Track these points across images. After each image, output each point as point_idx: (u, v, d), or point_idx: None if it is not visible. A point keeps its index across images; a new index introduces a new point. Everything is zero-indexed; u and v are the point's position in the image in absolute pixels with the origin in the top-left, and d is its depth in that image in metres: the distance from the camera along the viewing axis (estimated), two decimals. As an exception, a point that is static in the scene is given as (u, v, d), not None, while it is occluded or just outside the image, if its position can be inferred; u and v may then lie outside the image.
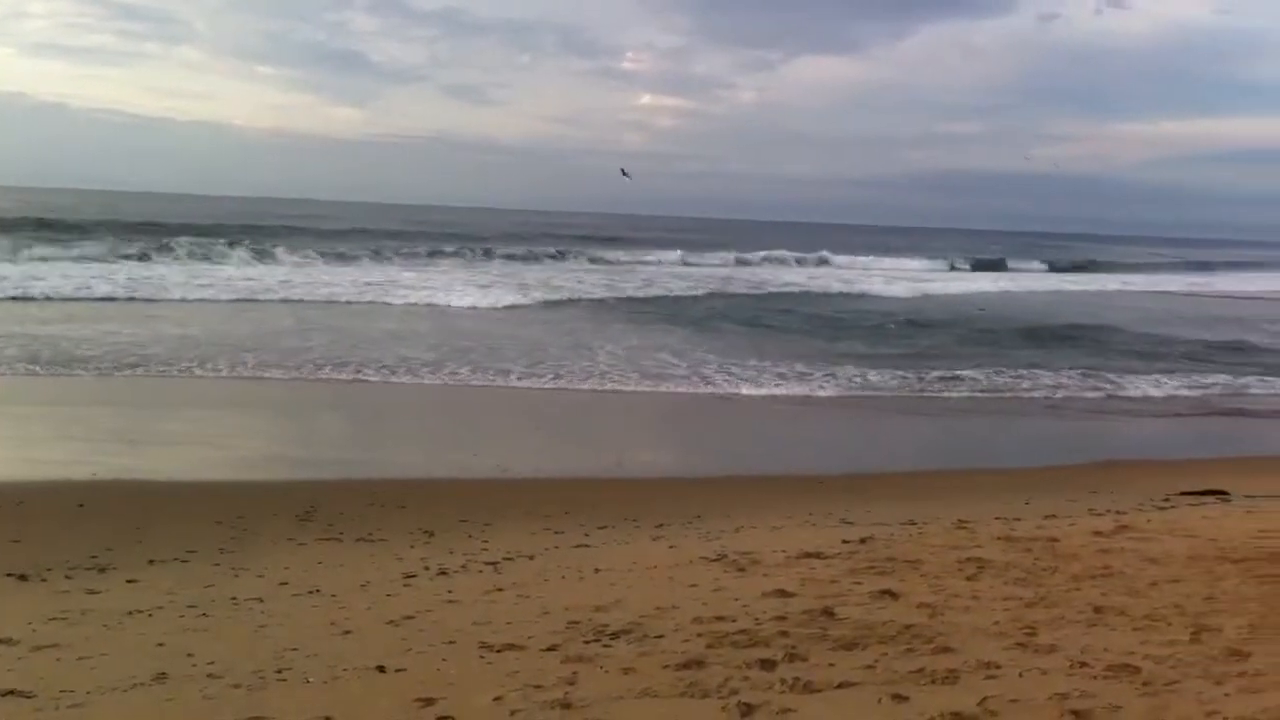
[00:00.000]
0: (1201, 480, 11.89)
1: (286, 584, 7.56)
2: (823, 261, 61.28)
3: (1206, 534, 8.76)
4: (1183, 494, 11.13)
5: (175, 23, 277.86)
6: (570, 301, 33.11)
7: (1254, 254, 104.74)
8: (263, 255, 41.27)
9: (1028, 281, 57.48)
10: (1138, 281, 62.19)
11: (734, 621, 6.28)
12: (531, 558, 8.26)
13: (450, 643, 5.95)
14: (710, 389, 18.30)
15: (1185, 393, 20.32)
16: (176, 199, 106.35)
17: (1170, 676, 5.41)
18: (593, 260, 51.90)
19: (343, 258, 43.28)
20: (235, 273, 35.64)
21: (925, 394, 19.14)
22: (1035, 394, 19.71)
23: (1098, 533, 8.82)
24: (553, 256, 51.79)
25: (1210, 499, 10.86)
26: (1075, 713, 4.90)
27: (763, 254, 61.07)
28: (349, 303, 30.10)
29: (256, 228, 52.60)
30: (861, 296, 41.25)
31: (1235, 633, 6.19)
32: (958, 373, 21.07)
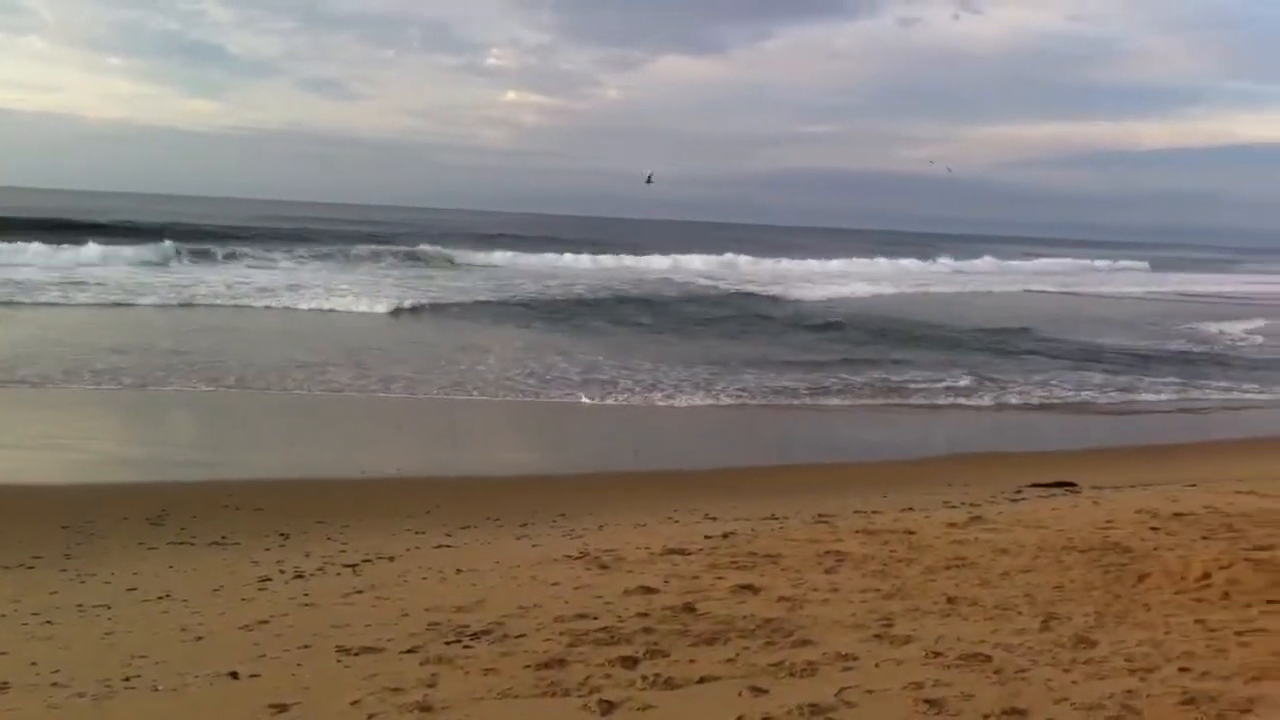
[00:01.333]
0: (1052, 472, 12.22)
1: (135, 590, 7.32)
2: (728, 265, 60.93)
3: (1056, 525, 9.01)
4: (1033, 486, 11.42)
5: (21, 11, 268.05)
6: (436, 306, 32.08)
7: (1114, 254, 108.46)
8: (108, 257, 38.44)
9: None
10: (1002, 279, 63.78)
11: (596, 619, 6.28)
12: (392, 559, 8.13)
13: (306, 647, 5.82)
14: (576, 395, 18.20)
15: (1040, 389, 20.90)
16: (20, 192, 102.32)
17: (1020, 664, 5.56)
18: (454, 262, 50.24)
19: (200, 256, 41.60)
20: (83, 272, 33.85)
21: (800, 390, 19.39)
22: (901, 389, 20.16)
23: (952, 525, 9.02)
24: (417, 258, 50.44)
25: (1059, 490, 11.16)
26: (929, 702, 5.00)
27: (674, 256, 60.21)
28: (208, 306, 28.83)
29: (104, 226, 50.19)
30: (776, 301, 40.76)
31: (1082, 620, 6.38)
32: (840, 374, 21.45)
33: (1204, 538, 8.42)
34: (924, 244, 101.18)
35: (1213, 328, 35.26)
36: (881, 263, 68.08)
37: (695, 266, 55.76)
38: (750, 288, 44.19)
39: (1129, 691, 5.15)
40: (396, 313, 29.66)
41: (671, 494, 11.00)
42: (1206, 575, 7.31)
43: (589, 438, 15.23)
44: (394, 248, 51.22)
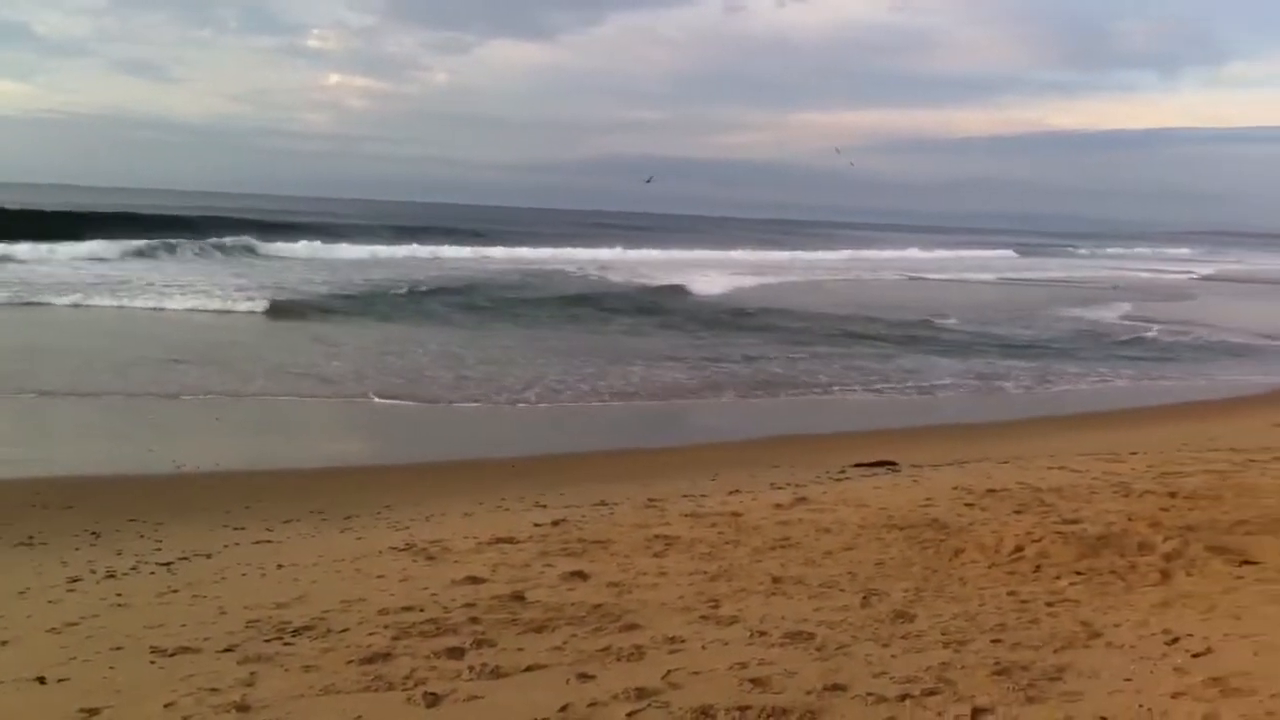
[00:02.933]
0: (874, 452, 12.51)
1: (-66, 596, 6.94)
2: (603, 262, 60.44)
3: (877, 503, 9.24)
4: (856, 465, 11.68)
5: None
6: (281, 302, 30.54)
7: (935, 238, 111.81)
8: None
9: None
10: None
11: (422, 611, 6.21)
12: (209, 556, 7.87)
13: (118, 649, 5.60)
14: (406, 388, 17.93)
15: (863, 367, 21.40)
16: None
17: (842, 640, 5.69)
18: (257, 253, 47.59)
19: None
20: None
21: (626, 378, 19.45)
22: (730, 372, 20.40)
23: (778, 505, 9.17)
24: (246, 248, 48.18)
25: (881, 469, 11.44)
26: (753, 680, 5.08)
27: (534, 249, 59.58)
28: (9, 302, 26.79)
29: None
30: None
31: (901, 596, 6.56)
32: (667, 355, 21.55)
33: (1016, 512, 8.73)
34: (770, 232, 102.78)
35: (1095, 313, 36.43)
36: (744, 254, 68.68)
37: (536, 256, 55.76)
38: (614, 277, 44.20)
39: (944, 664, 5.31)
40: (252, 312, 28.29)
41: (501, 483, 10.92)
42: (1019, 548, 7.58)
43: (421, 430, 14.98)
44: (207, 240, 48.67)
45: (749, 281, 44.06)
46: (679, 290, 38.13)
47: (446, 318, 28.10)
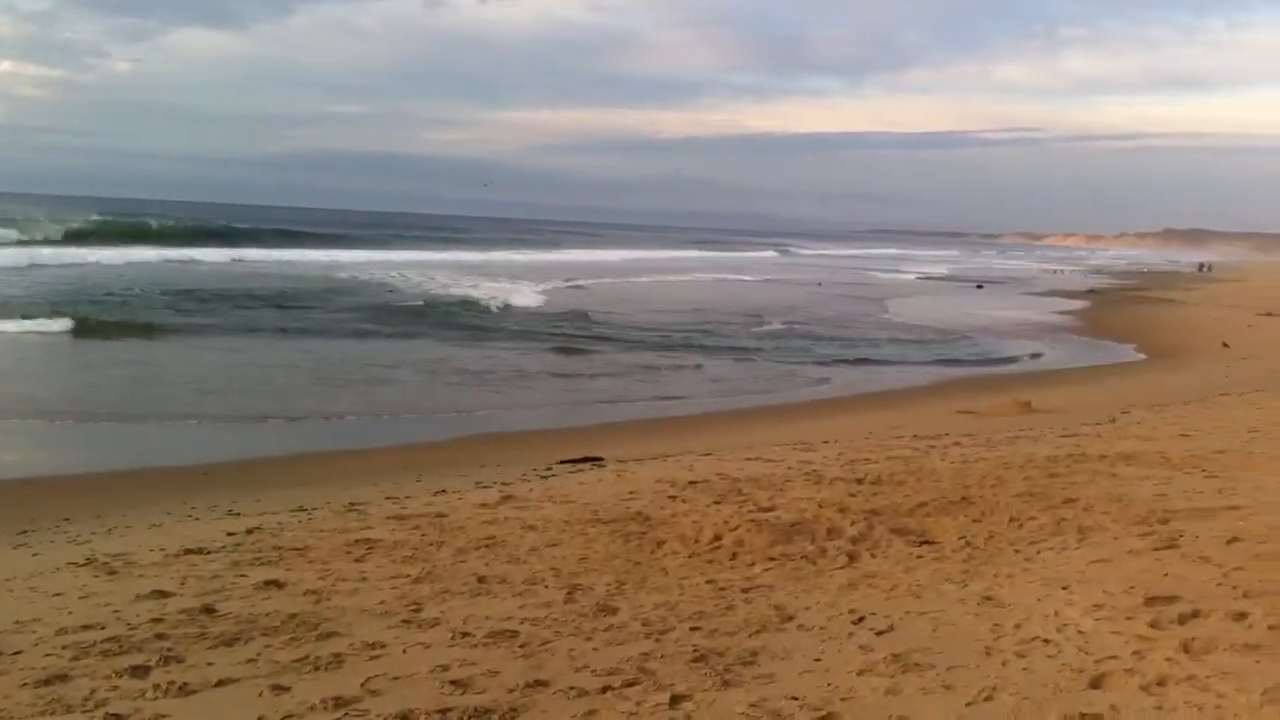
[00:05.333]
0: (581, 448, 12.61)
1: None
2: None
3: (582, 499, 9.31)
4: (563, 462, 11.74)
5: None
6: None
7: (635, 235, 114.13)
8: None
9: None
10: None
11: (104, 629, 5.88)
12: None
13: None
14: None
15: (559, 363, 21.58)
16: None
17: (545, 637, 5.70)
18: None
19: None
20: None
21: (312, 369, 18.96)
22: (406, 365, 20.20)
23: (484, 505, 9.11)
24: None
25: (587, 465, 11.54)
26: (455, 682, 5.03)
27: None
28: None
29: None
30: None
31: (605, 590, 6.63)
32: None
33: (716, 503, 8.96)
34: (490, 232, 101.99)
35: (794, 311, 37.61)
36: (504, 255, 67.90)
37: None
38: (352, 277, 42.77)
39: (645, 654, 5.39)
40: None
41: (192, 491, 10.40)
42: (717, 538, 7.79)
43: (102, 439, 14.07)
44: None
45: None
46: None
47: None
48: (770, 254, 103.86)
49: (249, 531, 8.22)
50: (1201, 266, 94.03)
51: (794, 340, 28.07)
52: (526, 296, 36.78)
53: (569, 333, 27.34)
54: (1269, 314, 36.88)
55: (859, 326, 32.73)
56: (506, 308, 33.11)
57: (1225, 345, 27.12)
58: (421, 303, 33.32)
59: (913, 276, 69.87)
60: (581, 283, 46.54)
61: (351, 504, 9.30)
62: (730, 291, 48.89)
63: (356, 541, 7.84)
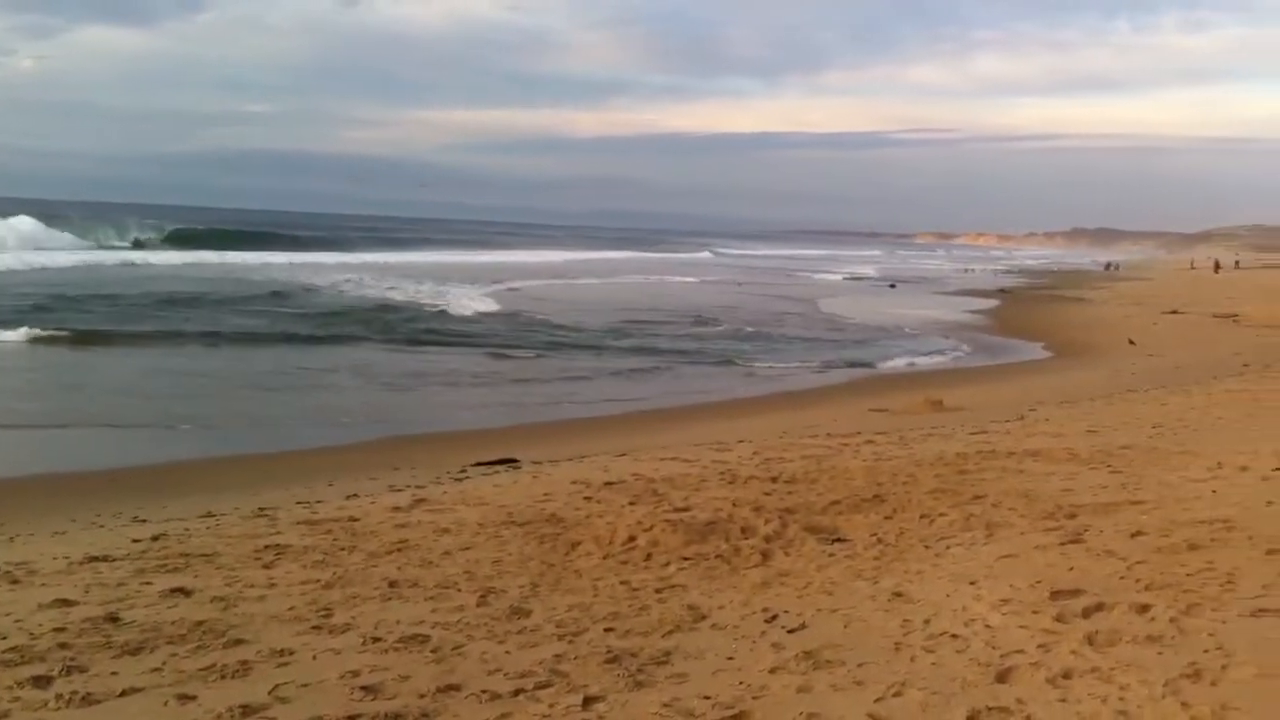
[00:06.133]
0: (497, 450, 12.55)
1: None
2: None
3: (497, 501, 9.27)
4: (478, 464, 11.67)
5: None
6: None
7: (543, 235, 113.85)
8: None
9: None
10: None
11: (4, 639, 5.75)
12: None
13: None
14: None
15: (486, 366, 21.46)
16: None
17: (457, 641, 5.66)
18: None
19: None
20: None
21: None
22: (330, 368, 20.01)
23: (396, 508, 9.03)
24: None
25: (502, 467, 11.48)
26: (365, 688, 4.98)
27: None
28: None
29: None
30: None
31: (518, 592, 6.60)
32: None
33: (631, 503, 8.97)
34: (405, 231, 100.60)
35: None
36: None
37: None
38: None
39: (558, 656, 5.38)
40: None
41: (98, 498, 10.16)
42: (632, 538, 7.80)
43: (3, 443, 13.70)
44: None
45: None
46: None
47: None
48: (705, 255, 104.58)
49: (155, 538, 8.07)
50: (1109, 265, 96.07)
51: (714, 341, 28.16)
52: (456, 298, 36.47)
53: (491, 335, 27.16)
54: (1174, 312, 37.76)
55: (778, 326, 32.92)
56: (438, 311, 32.76)
57: (1131, 343, 27.70)
58: (342, 305, 32.97)
59: (838, 277, 70.59)
60: (516, 285, 46.11)
61: (261, 509, 9.17)
62: (659, 293, 48.76)
63: (265, 547, 7.73)
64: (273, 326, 27.09)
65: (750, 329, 31.79)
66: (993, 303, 46.45)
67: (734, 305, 41.12)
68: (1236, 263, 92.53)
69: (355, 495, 9.88)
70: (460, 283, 43.78)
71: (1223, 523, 7.25)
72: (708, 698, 4.79)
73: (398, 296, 36.37)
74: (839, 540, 7.73)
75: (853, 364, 24.25)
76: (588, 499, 9.25)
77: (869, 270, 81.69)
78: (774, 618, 5.98)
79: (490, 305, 35.18)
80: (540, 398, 18.53)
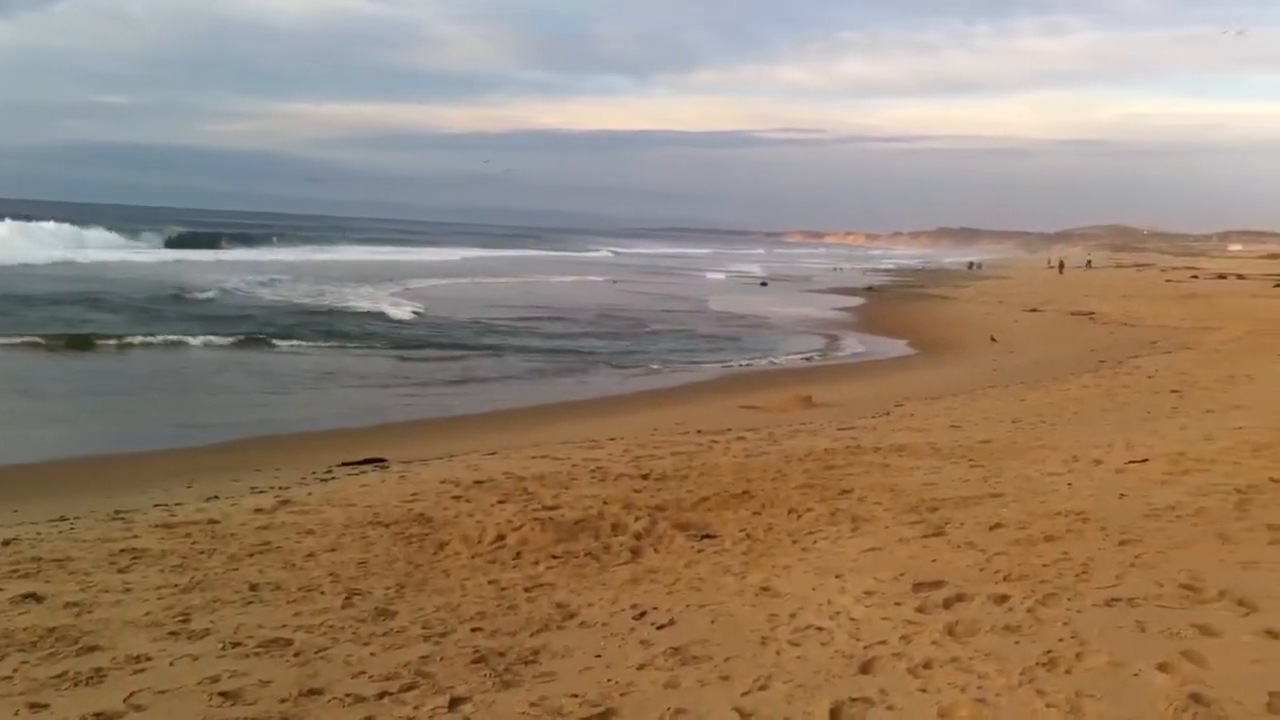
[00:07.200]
0: (365, 449, 12.36)
1: None
2: None
3: (364, 501, 9.13)
4: (344, 464, 11.48)
5: None
6: None
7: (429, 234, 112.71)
8: None
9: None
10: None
11: None
12: None
13: None
14: None
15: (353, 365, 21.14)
16: None
17: (321, 644, 5.56)
18: None
19: None
20: None
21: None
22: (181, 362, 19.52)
23: (260, 510, 8.85)
24: None
25: (369, 467, 11.32)
26: (224, 694, 4.87)
27: None
28: None
29: None
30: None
31: (384, 593, 6.51)
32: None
33: (500, 502, 8.92)
34: (284, 226, 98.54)
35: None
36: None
37: None
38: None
39: (424, 657, 5.32)
40: None
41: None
42: (500, 537, 7.75)
43: None
44: None
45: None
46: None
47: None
48: (606, 254, 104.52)
49: (5, 543, 7.77)
50: (971, 264, 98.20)
51: (584, 340, 28.17)
52: (353, 298, 35.87)
53: (384, 336, 26.78)
54: (1034, 309, 38.81)
55: (658, 324, 33.04)
56: (329, 310, 32.15)
57: (993, 340, 28.39)
58: (210, 297, 32.24)
59: (721, 276, 70.99)
60: (414, 285, 45.29)
61: (117, 512, 8.90)
62: (562, 293, 48.41)
63: (121, 551, 7.50)
64: (111, 324, 26.28)
65: (628, 327, 31.91)
66: (860, 300, 47.21)
67: (618, 304, 41.14)
68: (1088, 262, 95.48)
69: (216, 497, 9.64)
70: (355, 283, 43.00)
71: (1078, 515, 7.47)
72: (575, 696, 4.78)
73: (269, 294, 35.62)
74: (708, 536, 7.78)
75: (724, 361, 24.43)
76: (456, 498, 9.17)
77: (750, 268, 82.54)
78: (643, 614, 6.00)
79: (390, 306, 34.52)
80: (415, 397, 18.28)
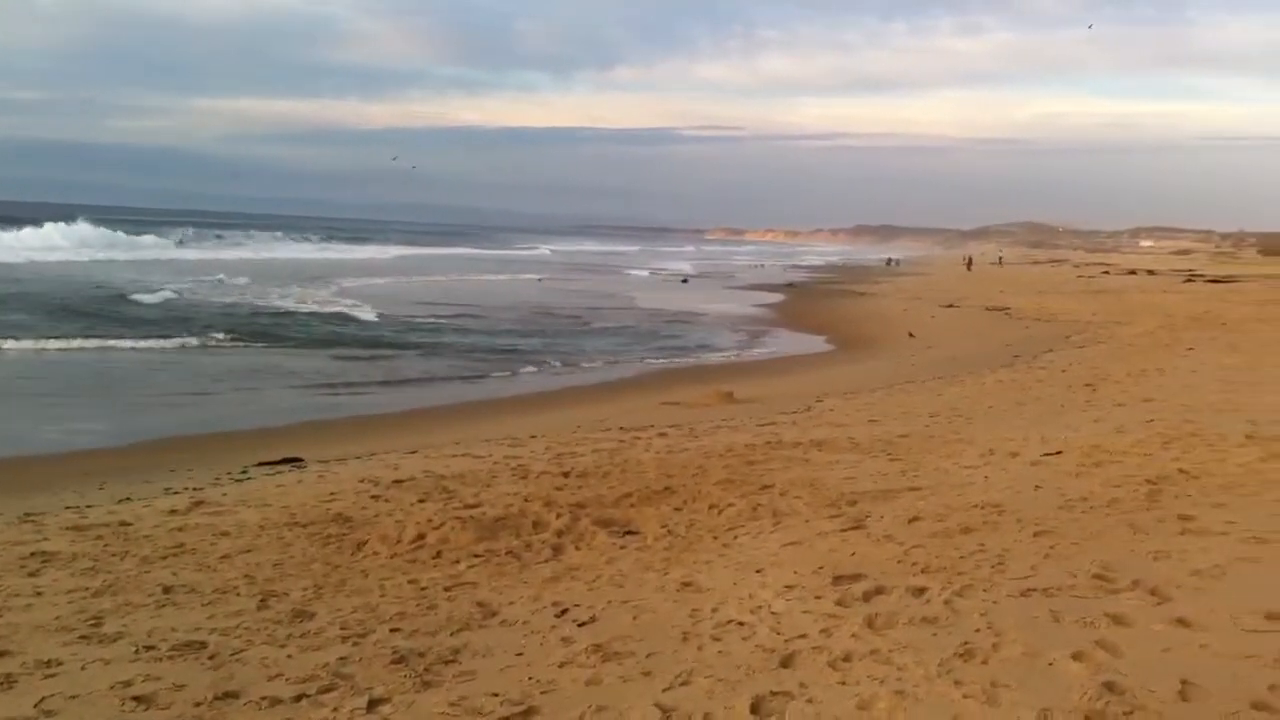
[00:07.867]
0: (281, 449, 12.19)
1: None
2: None
3: (280, 502, 9.01)
4: (260, 464, 11.31)
5: None
6: None
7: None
8: None
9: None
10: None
11: None
12: None
13: None
14: None
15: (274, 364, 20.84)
16: None
17: (236, 646, 5.49)
18: None
19: None
20: None
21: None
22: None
23: (173, 511, 8.70)
24: None
25: (287, 467, 11.16)
26: (137, 698, 4.80)
27: None
28: None
29: None
30: None
31: (301, 595, 6.44)
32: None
33: (421, 501, 8.86)
34: (208, 224, 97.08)
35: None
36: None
37: None
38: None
39: (342, 659, 5.26)
40: None
41: None
42: (420, 536, 7.69)
43: None
44: None
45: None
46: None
47: None
48: (545, 251, 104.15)
49: (-93, 549, 7.57)
50: (889, 261, 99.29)
51: (507, 338, 28.05)
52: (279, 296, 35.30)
53: (289, 335, 26.40)
54: (951, 305, 39.32)
55: (583, 321, 32.98)
56: (271, 310, 31.63)
57: (911, 335, 28.71)
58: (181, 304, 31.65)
59: (645, 273, 70.98)
60: (349, 284, 44.52)
61: (27, 515, 8.70)
62: (499, 290, 48.08)
63: (31, 554, 7.34)
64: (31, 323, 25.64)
65: (554, 324, 31.82)
66: (780, 297, 47.48)
67: (546, 303, 40.93)
68: (1000, 259, 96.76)
69: (128, 499, 9.45)
70: (282, 282, 42.28)
71: (994, 507, 7.59)
72: (496, 695, 4.76)
73: (175, 292, 34.98)
74: (630, 533, 7.79)
75: (647, 358, 24.46)
76: (375, 498, 9.09)
77: (677, 265, 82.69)
78: (564, 612, 5.99)
79: (320, 306, 34.02)
80: (338, 396, 18.04)
